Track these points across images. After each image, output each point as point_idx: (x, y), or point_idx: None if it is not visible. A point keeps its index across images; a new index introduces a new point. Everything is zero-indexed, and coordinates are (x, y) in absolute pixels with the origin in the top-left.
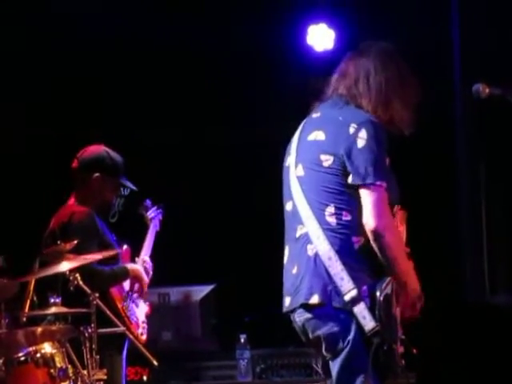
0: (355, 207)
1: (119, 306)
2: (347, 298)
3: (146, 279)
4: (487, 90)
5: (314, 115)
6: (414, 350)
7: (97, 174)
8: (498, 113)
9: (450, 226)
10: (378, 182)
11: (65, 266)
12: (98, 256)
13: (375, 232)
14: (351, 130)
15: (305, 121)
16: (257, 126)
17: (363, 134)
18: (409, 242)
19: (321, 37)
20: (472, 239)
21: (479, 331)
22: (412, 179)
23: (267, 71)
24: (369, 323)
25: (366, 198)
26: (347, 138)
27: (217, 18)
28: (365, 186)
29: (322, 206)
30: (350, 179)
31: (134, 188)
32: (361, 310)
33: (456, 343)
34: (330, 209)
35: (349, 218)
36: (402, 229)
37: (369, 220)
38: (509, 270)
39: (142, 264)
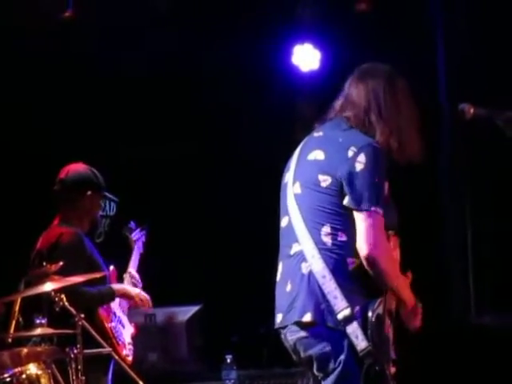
0: (351, 228)
1: (107, 326)
2: (340, 316)
3: (136, 291)
4: (472, 111)
5: (316, 134)
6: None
7: (89, 193)
8: (483, 134)
9: (435, 246)
10: (373, 208)
11: (49, 287)
12: (82, 278)
13: (368, 259)
14: (350, 154)
15: (306, 139)
16: (243, 146)
17: (362, 158)
18: (401, 266)
19: (306, 57)
20: (458, 260)
21: (465, 352)
22: (398, 200)
23: (252, 90)
24: (361, 343)
25: (361, 223)
26: (346, 160)
27: (202, 38)
28: (360, 211)
29: (318, 226)
30: (345, 201)
31: (115, 199)
32: (354, 330)
33: (441, 363)
34: (326, 229)
35: (344, 238)
36: (396, 254)
37: (362, 246)
38: (494, 291)
39: (130, 280)
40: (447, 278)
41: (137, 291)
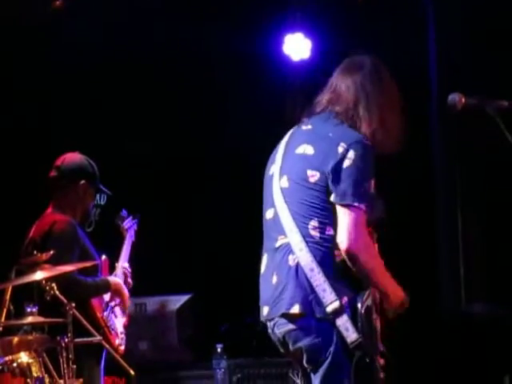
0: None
1: (99, 315)
2: (329, 309)
3: (127, 293)
4: (463, 100)
5: (304, 127)
6: (394, 362)
7: (82, 182)
8: (474, 124)
9: (425, 235)
10: (357, 204)
11: (40, 276)
12: (74, 267)
13: (348, 253)
14: (340, 150)
15: (292, 131)
16: (232, 136)
17: (351, 154)
18: (384, 252)
19: (297, 46)
20: (448, 249)
21: (455, 341)
22: (389, 190)
23: (243, 80)
24: (351, 335)
25: (343, 218)
26: (335, 156)
27: (192, 27)
28: (342, 205)
29: (306, 220)
30: (331, 197)
31: (109, 193)
32: (343, 322)
33: (432, 352)
34: (314, 223)
35: (332, 232)
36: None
37: (343, 241)
38: (484, 280)
39: (123, 270)
40: (437, 267)
41: (127, 293)
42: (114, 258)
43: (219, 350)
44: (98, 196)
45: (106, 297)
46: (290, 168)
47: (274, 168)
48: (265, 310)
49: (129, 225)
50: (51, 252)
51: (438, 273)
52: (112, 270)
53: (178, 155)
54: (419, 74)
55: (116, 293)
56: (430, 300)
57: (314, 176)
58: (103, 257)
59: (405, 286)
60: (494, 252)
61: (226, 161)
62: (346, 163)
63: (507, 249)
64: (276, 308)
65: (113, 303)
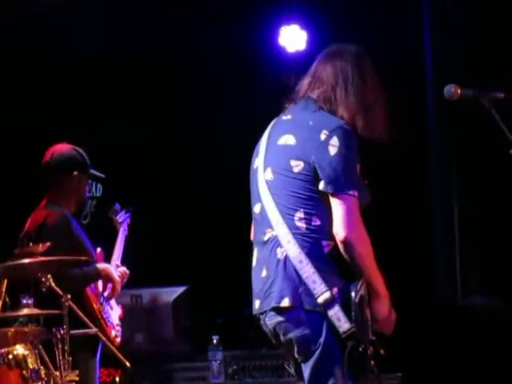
0: (325, 212)
1: (95, 307)
2: (320, 300)
3: (118, 278)
4: (459, 91)
5: (284, 117)
6: (382, 351)
7: (75, 173)
8: (469, 115)
9: (422, 228)
10: (350, 192)
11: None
12: (68, 260)
13: (345, 242)
14: (322, 137)
15: (274, 122)
16: (228, 126)
17: (335, 141)
18: (380, 245)
19: (293, 38)
20: (444, 242)
21: (451, 334)
22: (385, 183)
23: (239, 71)
24: (344, 325)
25: (337, 207)
26: (318, 144)
27: (188, 18)
28: (336, 194)
29: (291, 211)
30: (321, 186)
31: (102, 176)
32: (335, 312)
33: (427, 346)
34: (300, 214)
35: (318, 222)
36: None
37: (339, 230)
38: (481, 273)
39: (116, 268)
40: (433, 260)
41: (117, 278)
42: (109, 251)
43: (215, 341)
44: (93, 188)
45: (101, 287)
46: (273, 160)
47: (258, 161)
48: (256, 304)
49: (122, 218)
50: (47, 244)
51: (434, 266)
52: (107, 262)
53: (173, 145)
54: (415, 65)
55: (106, 278)
56: (426, 293)
57: (297, 166)
58: (98, 249)
59: (401, 280)
60: (491, 244)
61: (221, 152)
62: (332, 150)
63: (504, 241)
64: (266, 301)
65: (106, 293)
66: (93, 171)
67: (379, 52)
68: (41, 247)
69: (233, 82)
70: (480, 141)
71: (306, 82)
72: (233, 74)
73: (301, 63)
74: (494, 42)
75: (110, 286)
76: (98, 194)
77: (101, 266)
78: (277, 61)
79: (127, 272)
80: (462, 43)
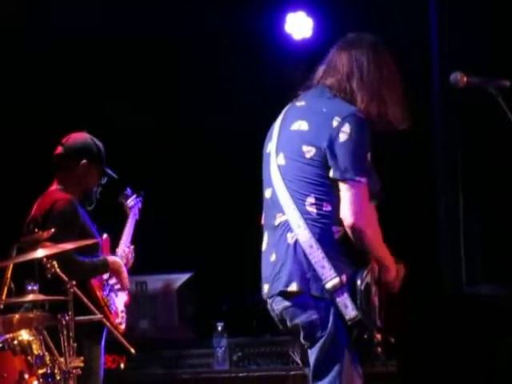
0: (336, 198)
1: (99, 294)
2: (329, 286)
3: (126, 274)
4: (465, 79)
5: (298, 104)
6: (392, 340)
7: (84, 161)
8: (475, 104)
9: (426, 217)
10: (358, 178)
11: (41, 254)
12: (73, 245)
13: (352, 228)
14: (334, 124)
15: (287, 108)
16: (233, 113)
17: (346, 128)
18: (385, 233)
19: (299, 25)
20: (449, 230)
21: (457, 322)
22: (389, 174)
23: (245, 58)
24: (350, 312)
25: (345, 193)
26: (330, 131)
27: (193, 6)
28: (344, 181)
29: (303, 197)
30: (330, 173)
31: (114, 176)
32: (343, 299)
33: (433, 334)
34: (311, 199)
35: (329, 208)
36: None
37: (346, 216)
38: (486, 261)
39: (125, 254)
40: (439, 248)
41: (125, 274)
42: (117, 237)
43: (220, 328)
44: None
45: (106, 275)
46: (285, 145)
47: (271, 146)
48: (265, 288)
49: (133, 203)
50: (52, 230)
51: (439, 254)
52: (114, 248)
53: (180, 132)
54: (421, 53)
55: (114, 272)
56: (431, 282)
57: (309, 151)
58: (104, 235)
59: (406, 267)
60: (496, 232)
61: (227, 139)
62: (343, 137)
63: (509, 229)
64: (275, 285)
65: (112, 281)
66: (107, 169)
67: (385, 39)
68: (46, 234)
69: (238, 70)
70: (486, 129)
71: (321, 69)
72: (238, 61)
73: (307, 51)
74: (500, 29)
75: (115, 279)
76: (102, 181)
77: (111, 259)
78: (283, 48)
79: (133, 255)
80: (469, 31)
